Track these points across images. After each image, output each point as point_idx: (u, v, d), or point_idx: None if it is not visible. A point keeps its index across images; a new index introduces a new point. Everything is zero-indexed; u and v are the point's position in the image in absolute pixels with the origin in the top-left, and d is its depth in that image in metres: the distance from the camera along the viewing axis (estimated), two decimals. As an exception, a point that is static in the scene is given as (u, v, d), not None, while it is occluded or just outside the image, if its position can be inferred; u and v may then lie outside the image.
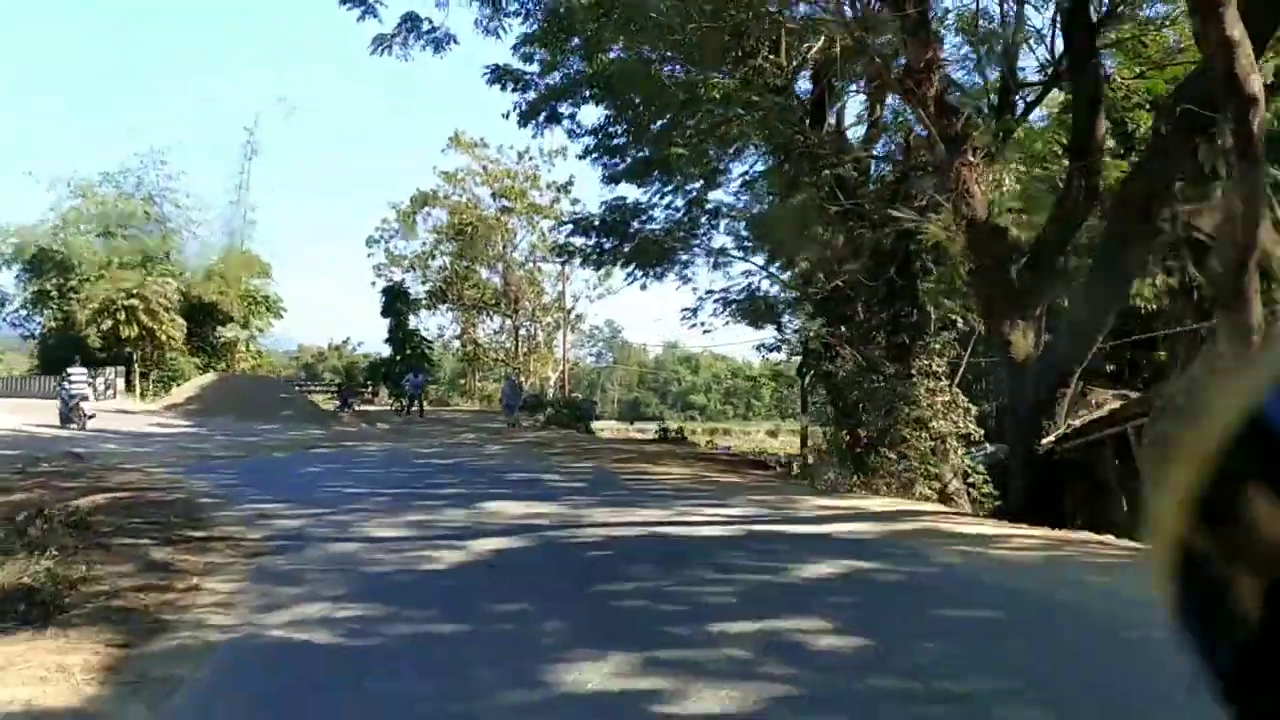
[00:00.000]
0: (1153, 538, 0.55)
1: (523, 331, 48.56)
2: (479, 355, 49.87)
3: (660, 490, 12.60)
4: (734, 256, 21.46)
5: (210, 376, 33.96)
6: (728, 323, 24.14)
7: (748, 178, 20.31)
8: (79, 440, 20.15)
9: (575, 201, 46.06)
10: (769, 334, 27.08)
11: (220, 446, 20.25)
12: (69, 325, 40.74)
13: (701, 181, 21.25)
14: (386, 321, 57.63)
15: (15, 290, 43.62)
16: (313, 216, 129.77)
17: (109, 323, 35.80)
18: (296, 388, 42.31)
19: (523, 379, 42.48)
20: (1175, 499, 0.54)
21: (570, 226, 22.80)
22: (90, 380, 25.41)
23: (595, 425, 36.62)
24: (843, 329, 21.87)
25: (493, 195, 46.34)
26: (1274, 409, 0.51)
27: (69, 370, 24.98)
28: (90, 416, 23.53)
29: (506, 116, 20.55)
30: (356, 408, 35.03)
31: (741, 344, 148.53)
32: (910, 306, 18.39)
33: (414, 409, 32.35)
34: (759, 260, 22.77)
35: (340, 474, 14.85)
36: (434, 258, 47.25)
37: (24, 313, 45.46)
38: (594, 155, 20.59)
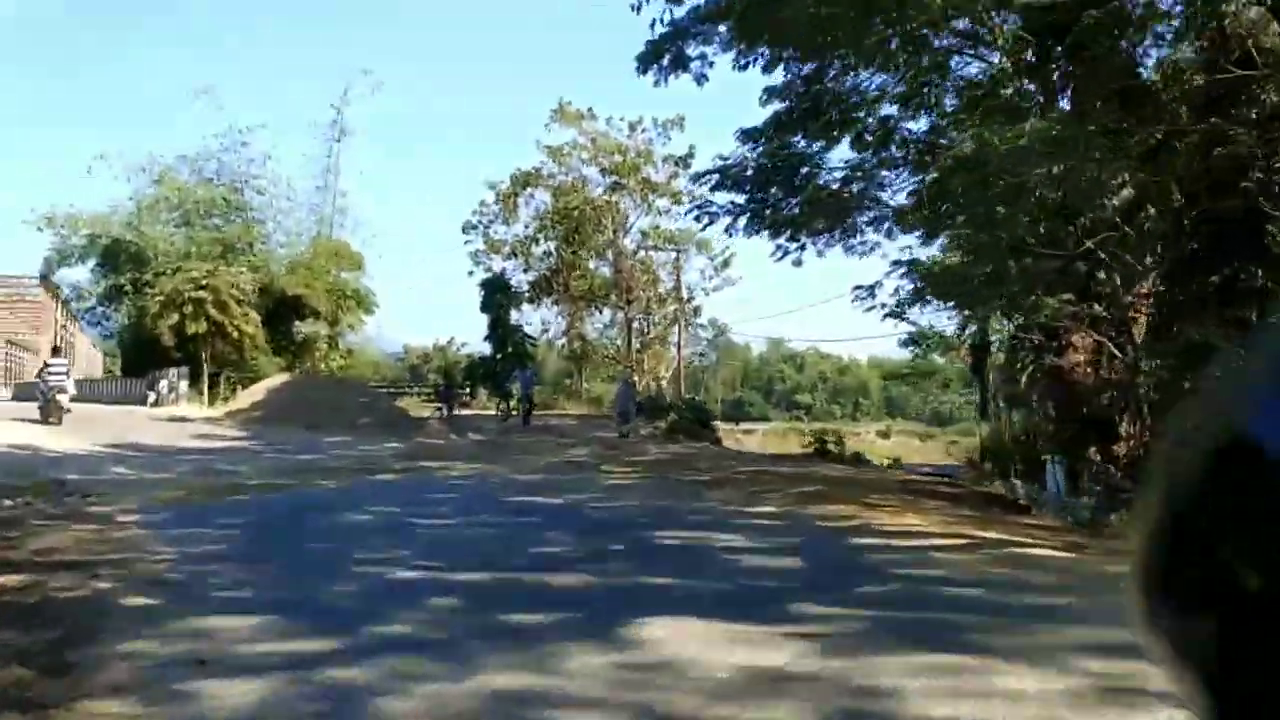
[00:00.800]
0: (1133, 555, 0.52)
1: (635, 325, 43.14)
2: (588, 353, 44.70)
3: (961, 585, 6.72)
4: (952, 212, 15.37)
5: (281, 378, 29.43)
6: (916, 302, 18.19)
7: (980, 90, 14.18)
8: (81, 461, 15.44)
9: (697, 177, 40.47)
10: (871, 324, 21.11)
11: (261, 470, 15.26)
12: (144, 323, 37.07)
13: (898, 107, 15.37)
14: (486, 317, 53.30)
15: (91, 286, 40.33)
16: (412, 204, 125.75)
17: (174, 317, 31.67)
18: (387, 390, 37.88)
19: (635, 379, 37.07)
20: (1152, 518, 0.51)
21: (715, 177, 17.05)
22: (68, 371, 23.30)
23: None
24: (1094, 307, 15.80)
25: (602, 172, 41.05)
26: (1259, 428, 0.47)
27: (48, 361, 23.15)
28: (67, 410, 21.40)
29: (637, 10, 15.05)
30: (456, 412, 29.85)
31: (865, 339, 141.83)
32: (1254, 266, 12.12)
33: (517, 413, 26.98)
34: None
35: (395, 529, 9.48)
36: (537, 243, 42.21)
37: (101, 310, 42.38)
38: (752, 54, 14.82)
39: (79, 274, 41.00)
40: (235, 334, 32.55)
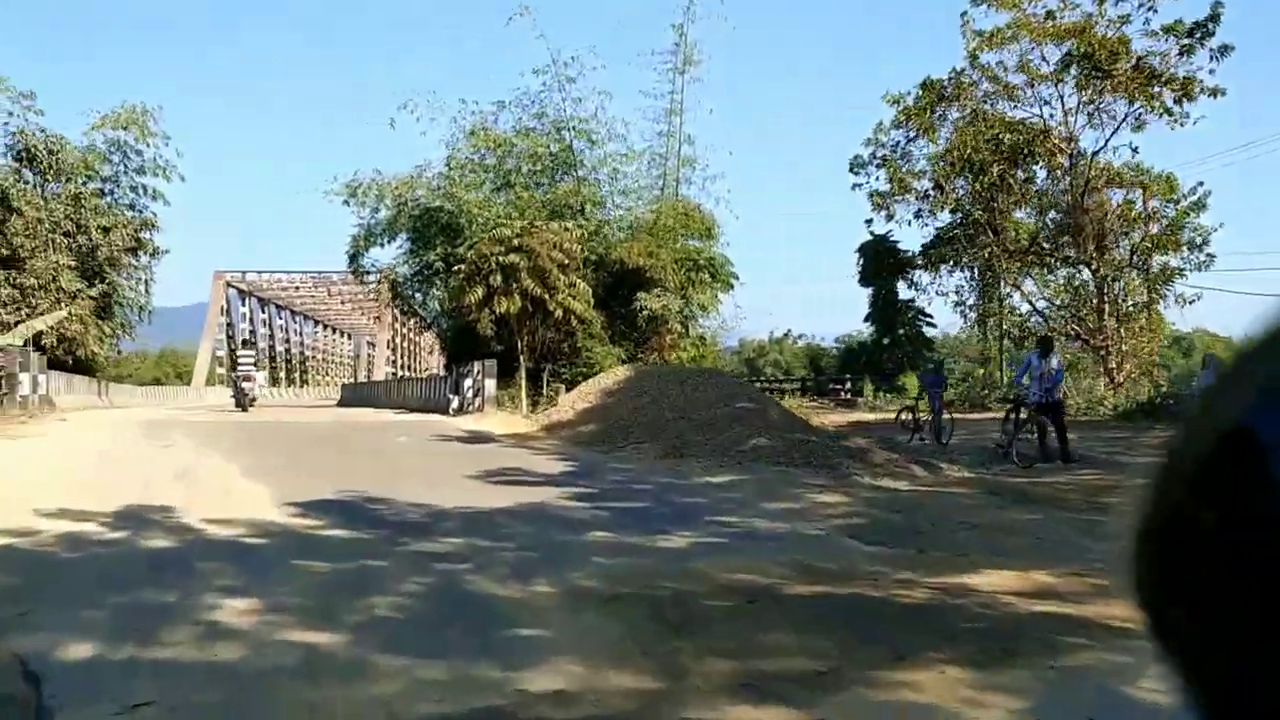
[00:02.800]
0: (1127, 542, 0.53)
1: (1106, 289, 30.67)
2: (1028, 331, 32.89)
3: None
4: None
5: (620, 374, 20.41)
6: None
7: None
8: (181, 572, 6.94)
9: (1222, 51, 27.44)
10: None
11: (568, 608, 5.93)
12: (455, 307, 30.55)
13: None
14: (867, 293, 43.06)
15: (400, 266, 34.57)
16: (762, 154, 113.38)
17: (479, 292, 24.14)
18: (764, 386, 28.70)
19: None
20: (1149, 505, 0.52)
21: None
22: (256, 361, 28.04)
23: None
24: None
25: (1064, 63, 29.07)
26: (1257, 420, 0.48)
27: (238, 353, 28.43)
28: (253, 400, 25.43)
29: None
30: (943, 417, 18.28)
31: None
32: None
33: (1038, 438, 15.14)
34: None
35: None
36: (970, 167, 31.00)
37: (416, 297, 36.76)
38: None
39: (389, 254, 35.66)
40: (559, 313, 24.55)
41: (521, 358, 25.52)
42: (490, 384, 23.47)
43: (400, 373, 74.83)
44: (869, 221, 35.82)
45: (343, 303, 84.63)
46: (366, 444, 15.77)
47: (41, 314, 28.84)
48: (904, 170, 32.17)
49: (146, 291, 38.63)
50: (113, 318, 36.08)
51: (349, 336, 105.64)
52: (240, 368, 27.49)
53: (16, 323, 28.05)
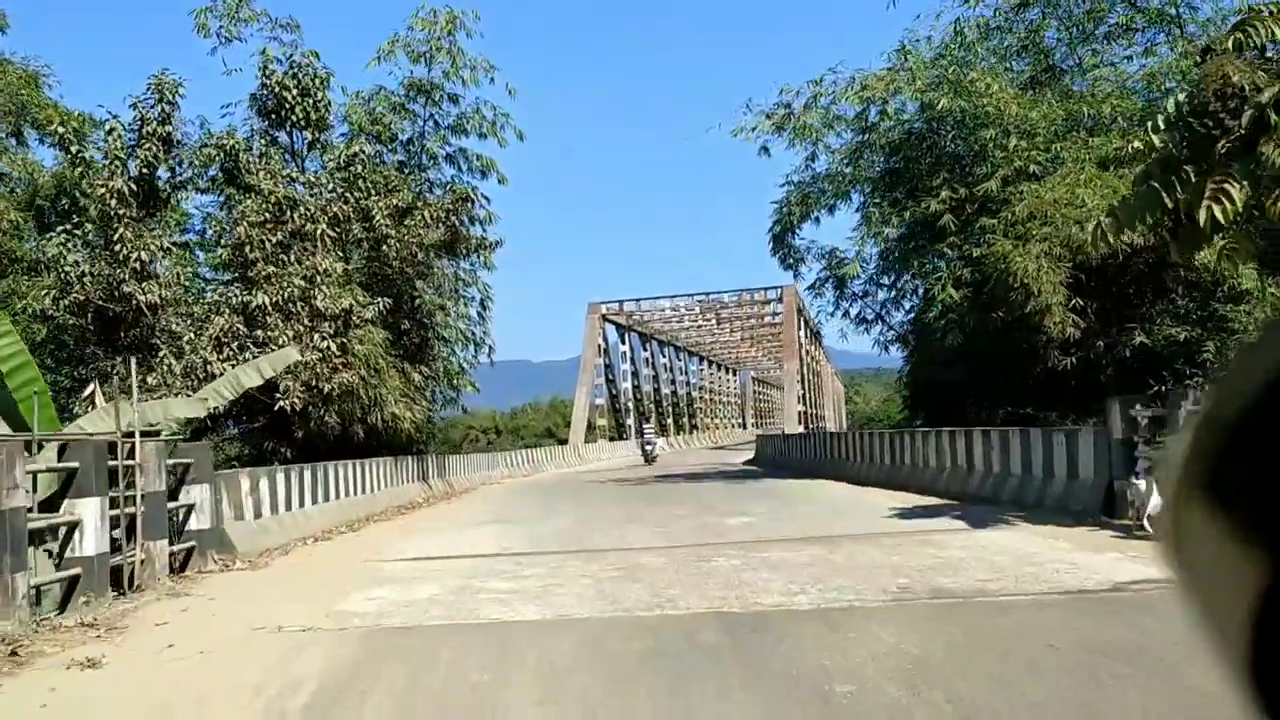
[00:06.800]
0: (1163, 511, 0.52)
1: None
2: None
3: None
4: None
5: None
6: None
7: None
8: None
9: None
10: None
11: None
12: (979, 310, 16.63)
13: None
14: None
15: (854, 246, 20.88)
16: None
17: (1221, 208, 9.65)
18: None
19: None
20: (1184, 469, 0.50)
21: None
22: (656, 433, 41.21)
23: None
24: None
25: None
26: None
27: (644, 425, 40.03)
28: (654, 458, 34.95)
29: None
30: None
31: None
32: None
33: None
34: None
35: None
36: None
37: (882, 293, 22.79)
38: None
39: (833, 232, 22.44)
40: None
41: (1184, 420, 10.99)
42: (1086, 444, 8.82)
43: (811, 412, 61.98)
44: None
45: (732, 331, 73.72)
46: None
47: (276, 352, 15.23)
48: None
49: (481, 316, 25.87)
50: (426, 359, 22.05)
51: (734, 372, 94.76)
52: (646, 434, 37.52)
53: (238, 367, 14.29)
